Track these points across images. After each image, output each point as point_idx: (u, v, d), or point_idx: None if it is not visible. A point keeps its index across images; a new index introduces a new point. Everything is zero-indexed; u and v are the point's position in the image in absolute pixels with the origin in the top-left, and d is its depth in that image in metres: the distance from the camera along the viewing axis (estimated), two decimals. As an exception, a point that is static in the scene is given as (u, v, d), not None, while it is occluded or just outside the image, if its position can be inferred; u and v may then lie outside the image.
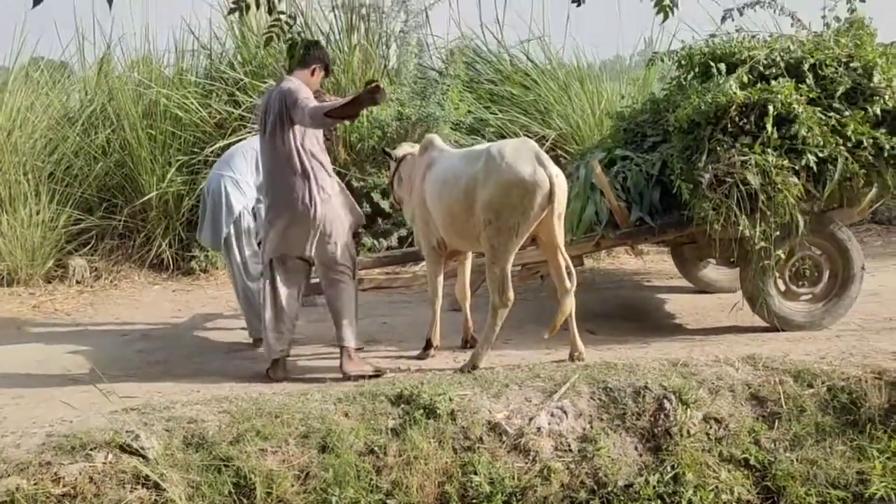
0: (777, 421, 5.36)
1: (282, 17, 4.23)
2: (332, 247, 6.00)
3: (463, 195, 5.87)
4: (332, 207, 6.00)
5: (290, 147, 5.85)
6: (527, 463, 5.06)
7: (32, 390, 5.86)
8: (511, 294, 5.87)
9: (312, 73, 6.09)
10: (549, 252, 6.01)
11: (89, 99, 10.34)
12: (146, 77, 10.22)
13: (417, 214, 6.40)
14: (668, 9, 4.30)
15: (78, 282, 9.07)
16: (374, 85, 5.16)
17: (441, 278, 6.48)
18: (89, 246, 9.48)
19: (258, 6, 4.09)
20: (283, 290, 6.08)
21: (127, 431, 4.77)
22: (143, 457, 4.69)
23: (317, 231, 5.94)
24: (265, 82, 9.88)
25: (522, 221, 5.69)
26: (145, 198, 9.48)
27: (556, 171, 5.73)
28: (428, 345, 6.49)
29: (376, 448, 4.96)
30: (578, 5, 4.61)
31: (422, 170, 6.33)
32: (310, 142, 5.93)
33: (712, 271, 8.12)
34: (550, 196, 5.66)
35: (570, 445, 5.16)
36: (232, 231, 6.89)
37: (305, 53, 5.99)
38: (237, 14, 4.78)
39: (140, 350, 6.94)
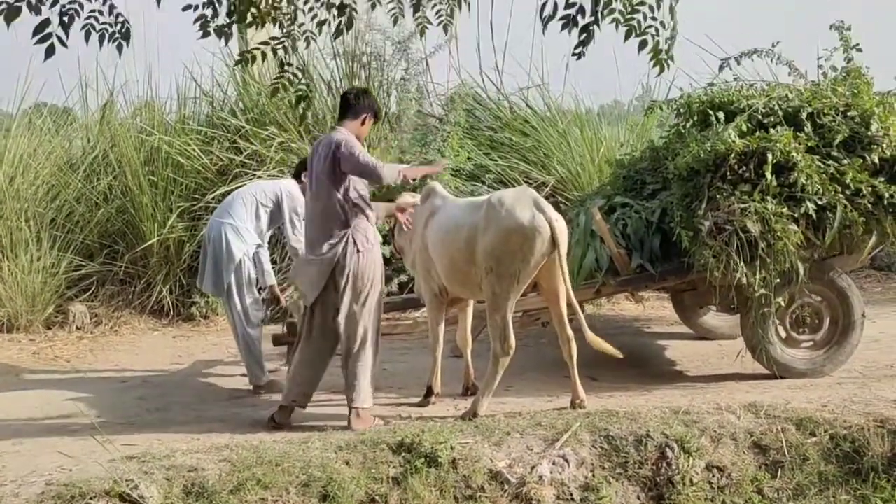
0: (780, 470, 5.33)
1: (289, 69, 4.28)
2: (363, 299, 5.92)
3: (464, 244, 5.91)
4: (373, 258, 5.94)
5: (335, 197, 5.82)
6: (529, 512, 5.02)
7: (32, 438, 5.83)
8: (512, 342, 5.88)
9: (363, 122, 6.05)
10: (550, 298, 6.01)
11: (92, 145, 10.40)
12: (148, 124, 10.30)
13: (419, 261, 6.42)
14: (664, 62, 4.36)
15: (78, 328, 9.06)
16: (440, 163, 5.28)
17: (442, 325, 6.48)
18: (90, 292, 9.47)
19: (264, 58, 4.14)
20: (317, 347, 6.01)
21: (126, 480, 4.72)
22: (143, 506, 4.66)
23: (349, 282, 5.86)
24: (266, 129, 9.94)
25: (523, 268, 5.72)
26: (146, 244, 9.50)
27: (555, 216, 5.78)
28: (429, 392, 6.47)
29: (377, 497, 4.91)
30: (579, 58, 4.67)
31: (424, 217, 6.37)
32: (353, 192, 5.87)
33: (712, 318, 8.12)
34: (552, 241, 5.69)
35: (572, 494, 5.12)
36: (233, 279, 6.91)
37: (356, 103, 5.95)
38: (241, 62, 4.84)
39: (140, 397, 6.91)
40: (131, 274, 9.67)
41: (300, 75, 4.35)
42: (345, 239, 5.83)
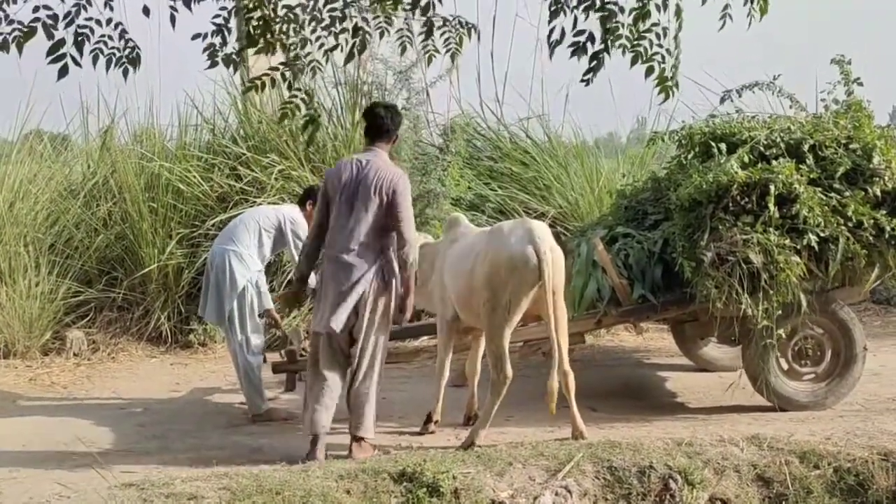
0: (784, 502, 5.32)
1: (298, 94, 4.28)
2: (381, 329, 5.87)
3: (469, 272, 5.96)
4: (389, 293, 5.88)
5: (385, 233, 5.78)
6: (532, 543, 4.98)
7: (29, 466, 5.77)
8: (509, 371, 5.86)
9: (394, 141, 6.08)
10: (549, 328, 5.97)
11: (92, 171, 10.39)
12: (149, 150, 10.29)
13: (437, 288, 6.46)
14: (669, 89, 4.38)
15: (75, 354, 8.99)
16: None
17: (451, 354, 6.50)
18: (88, 318, 9.42)
19: (274, 84, 4.14)
20: (329, 372, 5.87)
21: (126, 508, 4.70)
22: (144, 534, 4.62)
23: (374, 312, 5.80)
24: (267, 157, 9.94)
25: (513, 299, 5.76)
26: (145, 270, 9.47)
27: (546, 247, 5.77)
28: (429, 419, 6.46)
29: (379, 527, 4.88)
30: (587, 84, 4.69)
31: (446, 245, 6.49)
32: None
33: (713, 349, 8.09)
34: (539, 273, 5.69)
35: (574, 525, 5.09)
36: (235, 306, 6.88)
37: (390, 123, 5.90)
38: (240, 88, 4.85)
39: (138, 424, 6.86)
40: (129, 300, 9.62)
41: (308, 100, 4.34)
42: (374, 269, 5.77)
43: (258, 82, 4.20)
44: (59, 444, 6.26)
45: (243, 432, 6.62)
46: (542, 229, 5.92)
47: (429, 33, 5.23)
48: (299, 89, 4.35)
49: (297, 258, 6.97)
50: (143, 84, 9.90)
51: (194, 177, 9.88)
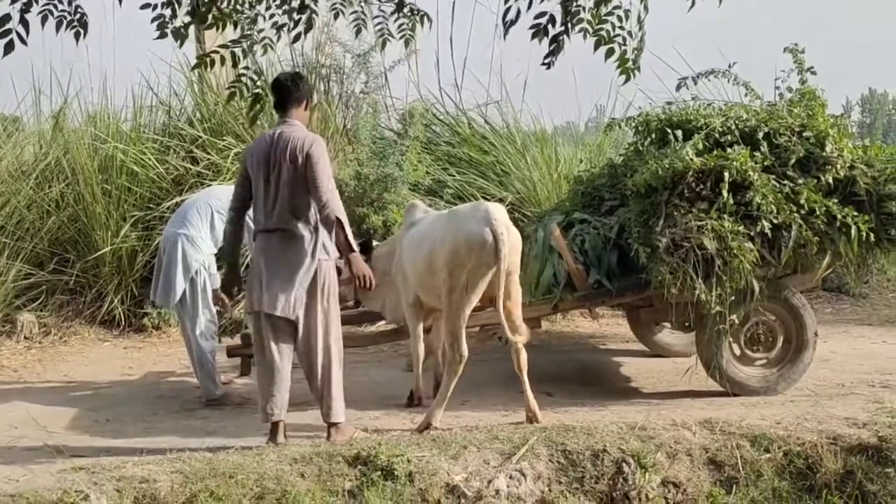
0: (735, 486, 5.36)
1: (247, 72, 4.22)
2: (330, 309, 5.74)
3: (428, 254, 6.00)
4: (331, 268, 5.76)
5: (307, 200, 5.60)
6: (485, 526, 4.98)
7: (-24, 449, 5.68)
8: (465, 350, 5.90)
9: (306, 108, 5.88)
10: (499, 310, 5.91)
11: (44, 153, 10.20)
12: (103, 132, 10.14)
13: (399, 273, 6.50)
14: (630, 71, 4.39)
15: (26, 338, 8.86)
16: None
17: (421, 335, 6.56)
18: (39, 301, 9.27)
19: (223, 62, 4.08)
20: (275, 350, 5.70)
21: (76, 491, 4.62)
22: (93, 518, 4.56)
23: (320, 290, 5.66)
24: (224, 140, 9.85)
25: (471, 279, 5.81)
26: (98, 253, 9.33)
27: (502, 228, 5.78)
28: (411, 397, 6.62)
29: (332, 510, 4.86)
30: (548, 68, 4.69)
31: (404, 231, 6.56)
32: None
33: (667, 335, 8.15)
34: (496, 253, 5.71)
35: (529, 508, 5.10)
36: (188, 290, 6.81)
37: (296, 89, 5.68)
38: (197, 71, 4.77)
39: (90, 408, 6.78)
40: (82, 283, 9.49)
41: (256, 78, 4.27)
42: (306, 241, 5.63)
43: (207, 59, 4.12)
44: (9, 427, 6.18)
45: (197, 416, 6.57)
46: (498, 211, 5.93)
47: (400, 5, 5.14)
48: (248, 67, 4.28)
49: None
50: (96, 65, 9.76)
51: (149, 159, 9.76)
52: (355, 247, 5.65)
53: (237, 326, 7.29)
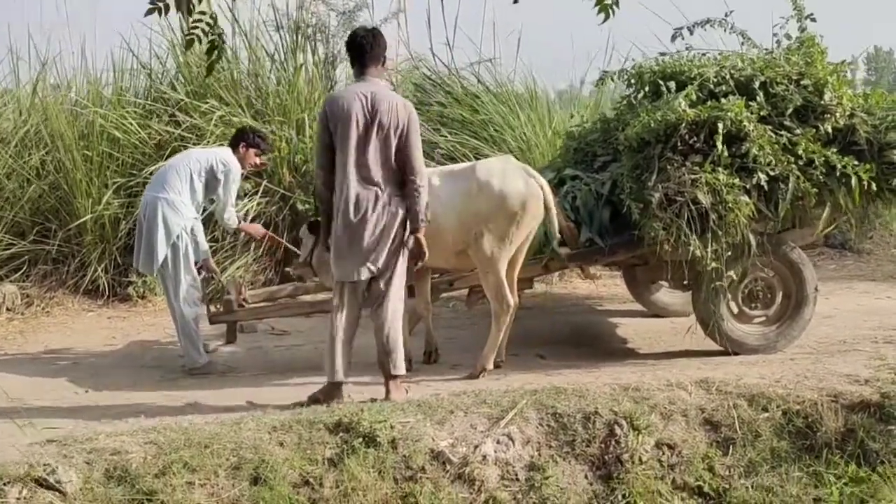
0: (731, 447, 5.21)
1: (203, 17, 3.97)
2: (402, 268, 5.70)
3: (447, 210, 6.05)
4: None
5: (396, 162, 5.54)
6: (472, 493, 4.84)
7: (-53, 422, 5.50)
8: (510, 299, 6.12)
9: (383, 65, 5.79)
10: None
11: (23, 119, 9.93)
12: (83, 97, 9.89)
13: None
14: (608, 8, 4.15)
15: (8, 309, 8.64)
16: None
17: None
18: (21, 272, 9.05)
19: (178, 8, 3.84)
20: (351, 313, 5.66)
21: (43, 465, 4.45)
22: (61, 491, 4.39)
23: (400, 249, 5.64)
24: (207, 102, 9.59)
25: (516, 231, 6.06)
26: (80, 221, 9.10)
27: (543, 181, 6.22)
28: (428, 356, 6.70)
29: (312, 479, 4.68)
30: (515, 2, 4.45)
31: None
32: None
33: (665, 295, 7.98)
34: (545, 206, 6.12)
35: (517, 474, 4.96)
36: (169, 255, 6.63)
37: (375, 45, 5.61)
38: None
39: (69, 379, 6.60)
40: (65, 253, 9.25)
41: (213, 25, 4.03)
42: (397, 203, 5.57)
43: (161, 4, 3.86)
44: (-17, 400, 5.99)
45: (179, 386, 6.40)
46: (526, 166, 6.38)
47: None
48: (203, 13, 4.03)
49: (230, 202, 6.76)
50: (75, 28, 9.48)
51: (131, 124, 9.50)
52: (428, 218, 5.63)
53: (220, 293, 7.09)
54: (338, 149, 5.53)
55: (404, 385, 5.77)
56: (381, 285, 5.61)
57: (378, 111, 5.46)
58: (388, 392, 5.65)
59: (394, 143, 5.50)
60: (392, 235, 5.55)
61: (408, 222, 5.60)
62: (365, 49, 5.61)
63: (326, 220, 5.76)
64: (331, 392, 5.64)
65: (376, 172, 5.51)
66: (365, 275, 5.55)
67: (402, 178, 5.56)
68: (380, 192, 5.52)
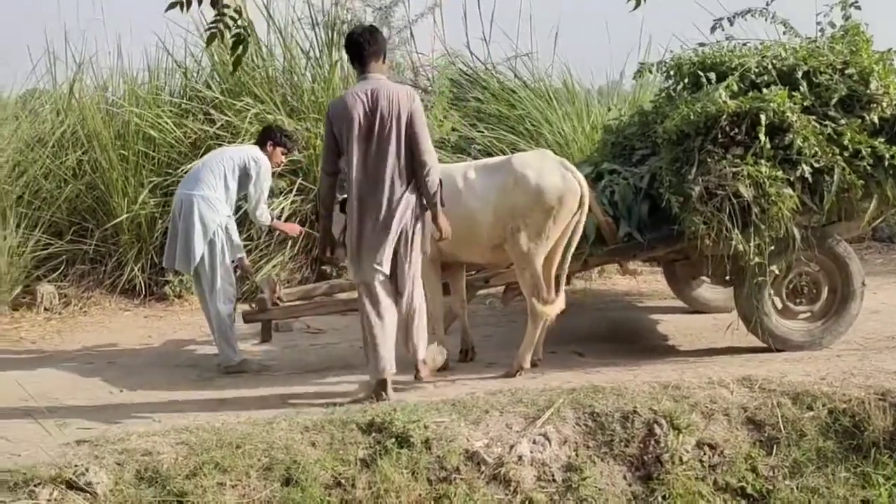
0: (775, 446, 5.07)
1: (227, 10, 3.90)
2: (416, 260, 5.68)
3: (483, 204, 6.01)
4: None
5: (408, 156, 5.49)
6: (507, 494, 4.76)
7: (-17, 422, 5.50)
8: (546, 294, 6.01)
9: (384, 60, 5.73)
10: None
11: (60, 120, 9.98)
12: (119, 96, 9.92)
13: None
14: (639, -4, 4.04)
15: (46, 309, 8.68)
16: None
17: (441, 291, 6.43)
18: (59, 271, 9.09)
19: (200, 2, 3.77)
20: (387, 307, 5.61)
21: (73, 466, 4.42)
22: (92, 493, 4.36)
23: (416, 243, 5.61)
24: (242, 100, 9.58)
25: (553, 226, 5.94)
26: (117, 220, 9.13)
27: (581, 176, 6.06)
28: (464, 354, 6.59)
29: (344, 480, 4.63)
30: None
31: None
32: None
33: (707, 290, 7.83)
34: (580, 201, 5.96)
35: (553, 475, 4.87)
36: (206, 252, 6.60)
37: (372, 41, 5.57)
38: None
39: (104, 379, 6.59)
40: (102, 252, 9.29)
41: (237, 17, 3.97)
42: (409, 202, 5.52)
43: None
44: (19, 400, 5.95)
45: (213, 385, 6.36)
46: (563, 160, 6.18)
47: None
48: (227, 6, 3.96)
49: (263, 199, 6.73)
50: (111, 28, 9.49)
51: (166, 123, 9.51)
52: (443, 201, 5.61)
53: (254, 292, 7.07)
54: (344, 152, 5.53)
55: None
56: (401, 278, 5.58)
57: (379, 107, 5.43)
58: (416, 373, 5.90)
59: (403, 131, 5.44)
60: (406, 227, 5.52)
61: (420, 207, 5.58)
62: (363, 46, 5.57)
63: (327, 224, 5.80)
64: (377, 390, 5.60)
65: (384, 169, 5.46)
66: (381, 274, 5.51)
67: (413, 165, 5.51)
68: (389, 189, 5.46)
